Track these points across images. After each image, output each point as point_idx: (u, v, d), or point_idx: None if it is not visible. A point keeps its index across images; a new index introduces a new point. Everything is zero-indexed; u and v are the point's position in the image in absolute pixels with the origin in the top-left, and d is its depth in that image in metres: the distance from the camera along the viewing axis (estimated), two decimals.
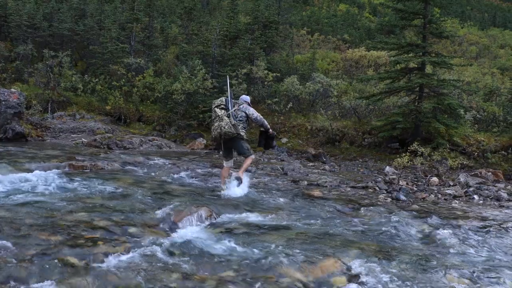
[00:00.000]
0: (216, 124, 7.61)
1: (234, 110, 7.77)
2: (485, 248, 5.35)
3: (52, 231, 4.75)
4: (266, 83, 18.17)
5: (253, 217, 6.16)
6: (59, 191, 6.84)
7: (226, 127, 7.48)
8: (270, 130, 8.16)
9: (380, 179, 9.91)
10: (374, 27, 44.59)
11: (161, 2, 40.86)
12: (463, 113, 13.97)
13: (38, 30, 23.21)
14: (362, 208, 7.01)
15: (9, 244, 4.29)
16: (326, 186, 8.81)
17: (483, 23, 58.54)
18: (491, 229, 6.11)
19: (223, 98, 7.96)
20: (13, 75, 20.78)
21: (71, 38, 23.64)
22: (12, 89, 14.75)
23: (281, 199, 7.35)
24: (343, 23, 47.80)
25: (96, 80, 19.14)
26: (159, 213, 5.84)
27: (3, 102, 13.08)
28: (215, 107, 7.77)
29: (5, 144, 12.07)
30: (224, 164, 8.01)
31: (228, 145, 7.76)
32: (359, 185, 9.13)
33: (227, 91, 8.18)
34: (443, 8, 16.13)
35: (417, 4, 14.15)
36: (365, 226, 6.06)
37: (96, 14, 25.98)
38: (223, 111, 7.65)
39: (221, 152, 8.25)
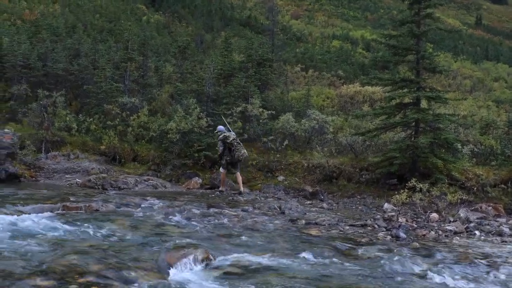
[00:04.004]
0: (243, 151, 12.82)
1: None
2: (490, 286, 5.21)
3: (44, 276, 4.62)
4: (261, 120, 18.15)
5: (251, 258, 6.03)
6: (52, 234, 6.69)
7: (246, 153, 13.14)
8: None
9: (379, 216, 9.77)
10: (367, 62, 45.14)
11: (155, 41, 41.31)
12: (460, 147, 13.92)
13: (32, 70, 23.28)
14: (361, 247, 6.88)
15: None
16: (324, 225, 8.67)
17: (476, 57, 59.45)
18: (494, 266, 5.98)
19: (233, 133, 13.25)
20: (7, 115, 20.74)
21: (66, 78, 23.70)
22: (5, 130, 14.65)
23: (279, 239, 7.21)
24: (337, 59, 48.40)
25: (91, 119, 19.07)
26: (154, 255, 5.70)
27: None
28: (232, 140, 12.81)
29: None
30: (223, 171, 13.10)
31: (237, 164, 13.01)
32: (358, 223, 8.98)
33: (228, 128, 13.60)
34: (435, 43, 16.30)
35: (410, 40, 14.26)
36: (365, 266, 5.93)
37: (90, 53, 26.16)
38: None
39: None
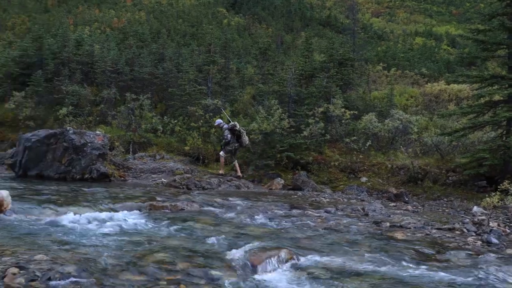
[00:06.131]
0: (247, 138, 14.71)
1: None
2: None
3: (135, 272, 4.80)
4: (343, 121, 17.98)
5: (334, 260, 5.97)
6: (141, 232, 6.95)
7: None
8: None
9: (467, 220, 9.38)
10: (453, 59, 43.49)
11: (236, 43, 42.00)
12: None
13: (120, 74, 24.40)
14: (449, 252, 6.62)
15: (94, 283, 4.36)
16: (409, 228, 8.43)
17: None
18: None
19: (236, 123, 14.89)
20: (98, 118, 21.87)
21: (151, 82, 24.61)
22: (97, 132, 15.42)
23: (363, 242, 7.09)
24: (420, 57, 47.03)
25: (175, 121, 19.70)
26: (239, 255, 5.76)
27: (89, 144, 13.63)
28: (241, 127, 14.73)
29: (90, 184, 12.55)
30: (223, 156, 14.89)
31: (237, 152, 15.00)
32: (445, 226, 8.67)
33: (228, 119, 15.60)
34: None
35: (500, 33, 13.62)
36: (453, 272, 5.71)
37: (174, 57, 27.02)
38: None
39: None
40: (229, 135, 14.69)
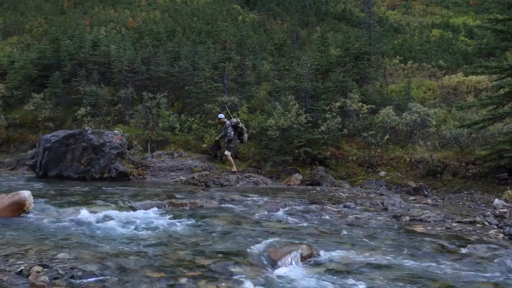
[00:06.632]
0: (246, 134, 14.91)
1: None
2: None
3: (155, 269, 4.84)
4: (360, 115, 17.90)
5: (354, 255, 5.95)
6: (161, 229, 7.01)
7: None
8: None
9: (489, 213, 9.27)
10: (471, 50, 42.97)
11: (251, 40, 41.97)
12: None
13: (137, 74, 24.54)
14: (470, 245, 6.55)
15: (115, 281, 4.41)
16: (429, 222, 8.37)
17: None
18: None
19: (238, 119, 15.08)
20: (115, 118, 22.05)
21: (168, 80, 24.71)
22: (115, 131, 15.55)
23: (383, 236, 7.07)
24: (438, 49, 46.58)
25: (192, 119, 19.78)
26: (258, 251, 5.78)
27: (108, 144, 13.76)
28: (242, 124, 14.89)
29: (109, 183, 12.71)
30: (228, 155, 14.76)
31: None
32: (466, 219, 8.59)
33: (229, 116, 15.64)
34: None
35: None
36: (475, 266, 5.66)
37: (190, 55, 27.10)
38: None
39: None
40: (232, 132, 14.80)
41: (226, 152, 14.95)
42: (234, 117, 16.00)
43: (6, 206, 7.17)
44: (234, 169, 14.75)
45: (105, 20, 58.41)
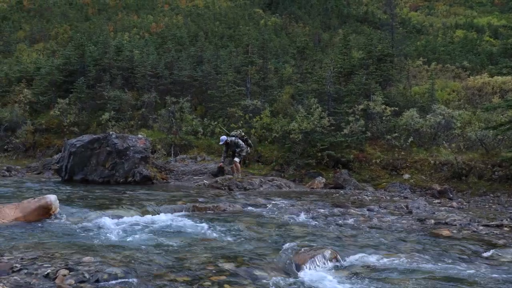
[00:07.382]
0: (250, 141, 15.30)
1: None
2: None
3: (179, 272, 4.86)
4: (384, 118, 17.77)
5: (379, 259, 5.91)
6: (185, 233, 7.05)
7: None
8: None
9: None
10: (496, 51, 42.32)
11: (273, 43, 41.99)
12: None
13: (160, 78, 24.77)
14: (497, 249, 6.45)
15: (140, 284, 4.44)
16: (455, 225, 8.26)
17: None
18: None
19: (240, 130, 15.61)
20: (139, 122, 22.27)
21: (190, 84, 24.88)
22: (139, 135, 15.65)
23: (407, 240, 6.99)
24: (462, 50, 45.98)
25: (215, 123, 19.87)
26: (282, 255, 5.76)
27: (131, 148, 13.85)
28: (243, 133, 15.30)
29: (134, 186, 12.78)
30: (237, 162, 14.72)
31: None
32: (493, 223, 8.46)
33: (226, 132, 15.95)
34: None
35: None
36: (502, 270, 5.56)
37: (213, 59, 27.26)
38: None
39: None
40: (243, 144, 14.91)
41: (236, 159, 14.94)
42: (235, 130, 16.18)
43: (32, 210, 7.28)
44: (237, 175, 14.77)
45: (128, 26, 59.03)
